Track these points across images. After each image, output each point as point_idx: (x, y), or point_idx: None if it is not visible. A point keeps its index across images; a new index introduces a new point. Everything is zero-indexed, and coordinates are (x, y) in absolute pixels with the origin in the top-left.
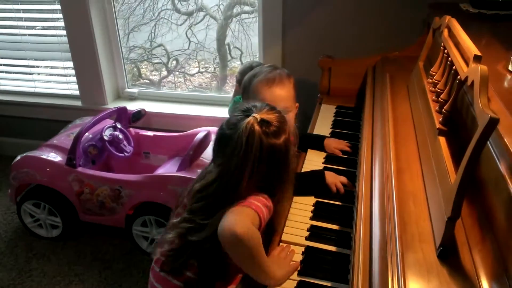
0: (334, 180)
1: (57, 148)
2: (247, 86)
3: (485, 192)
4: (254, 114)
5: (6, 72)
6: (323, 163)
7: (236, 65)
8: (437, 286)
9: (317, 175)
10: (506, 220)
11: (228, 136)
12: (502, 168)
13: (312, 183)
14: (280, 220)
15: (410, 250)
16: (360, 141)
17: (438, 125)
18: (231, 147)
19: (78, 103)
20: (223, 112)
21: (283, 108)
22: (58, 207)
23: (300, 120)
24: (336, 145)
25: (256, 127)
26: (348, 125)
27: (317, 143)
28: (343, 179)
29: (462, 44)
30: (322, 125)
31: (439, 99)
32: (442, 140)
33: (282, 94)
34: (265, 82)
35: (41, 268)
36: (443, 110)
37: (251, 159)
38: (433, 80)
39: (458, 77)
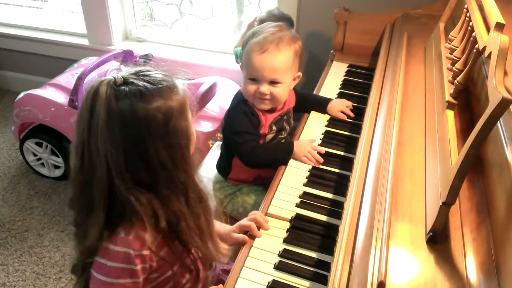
0: (303, 151)
1: (61, 88)
2: (245, 44)
3: (488, 176)
4: (113, 75)
5: (17, 5)
6: (325, 126)
7: (253, 12)
8: (421, 274)
9: (284, 148)
10: (505, 211)
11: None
12: (509, 154)
13: (279, 156)
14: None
15: (398, 231)
16: (366, 105)
17: (448, 97)
18: (76, 125)
19: (85, 42)
20: (234, 62)
21: (270, 79)
22: (60, 147)
23: (310, 75)
24: (340, 107)
25: (103, 89)
26: (358, 86)
27: (320, 106)
28: (313, 152)
29: (485, 8)
30: (331, 84)
31: (454, 68)
32: (450, 114)
33: (273, 64)
34: (258, 47)
35: (42, 206)
36: (455, 81)
37: (97, 135)
38: (451, 45)
39: (476, 45)
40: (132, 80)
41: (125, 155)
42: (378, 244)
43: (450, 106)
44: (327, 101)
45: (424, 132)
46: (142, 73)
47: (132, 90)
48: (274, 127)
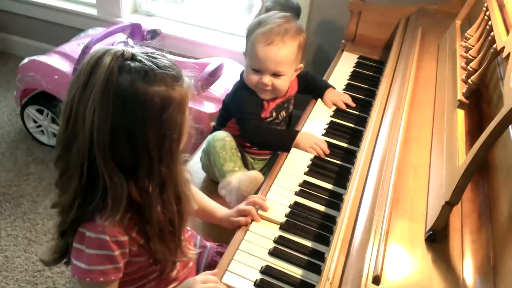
0: (309, 142)
1: (66, 56)
2: (250, 33)
3: (493, 179)
4: (123, 48)
5: None
6: (331, 116)
7: None
8: (417, 271)
9: (288, 134)
10: (508, 216)
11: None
12: None
13: (281, 140)
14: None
15: (397, 228)
16: (374, 99)
17: (460, 96)
18: (69, 85)
19: (94, 11)
20: (243, 44)
21: (273, 72)
22: None
23: (319, 63)
24: (334, 98)
25: (107, 58)
26: (368, 78)
27: (319, 92)
28: (320, 142)
29: (507, 8)
30: (339, 74)
31: (468, 66)
32: (460, 113)
33: (278, 57)
34: (263, 38)
35: (39, 173)
36: (469, 80)
37: (87, 102)
38: (467, 43)
39: (494, 45)
40: (140, 58)
41: (112, 131)
42: (376, 239)
43: (461, 105)
44: (325, 88)
45: (431, 129)
46: (152, 55)
47: (137, 67)
48: (274, 113)
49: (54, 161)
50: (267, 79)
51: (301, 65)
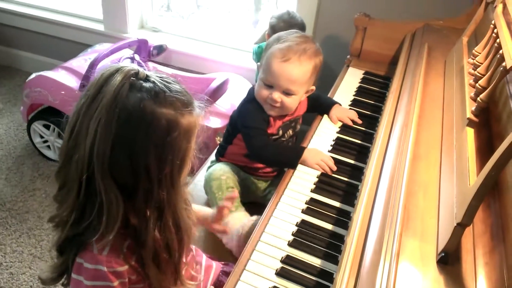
0: (316, 158)
1: (73, 72)
2: (268, 47)
3: (506, 199)
4: (139, 68)
5: None
6: (337, 132)
7: (270, 11)
8: None
9: (294, 151)
10: None
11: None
12: None
13: (286, 158)
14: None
15: (408, 249)
16: (381, 115)
17: (469, 115)
18: (79, 97)
19: (101, 27)
20: (248, 59)
21: (284, 89)
22: None
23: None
24: (340, 115)
25: (120, 75)
26: (374, 94)
27: (325, 109)
28: (327, 159)
29: None
30: (345, 90)
31: (477, 84)
32: (470, 132)
33: (292, 75)
34: (280, 54)
35: (44, 189)
36: (478, 98)
37: (93, 113)
38: (474, 61)
39: (504, 63)
40: (154, 80)
41: (113, 146)
42: (387, 260)
43: (470, 123)
44: (331, 104)
45: (440, 147)
46: (166, 79)
47: (148, 87)
48: (280, 131)
49: (55, 174)
50: (277, 95)
51: (313, 87)
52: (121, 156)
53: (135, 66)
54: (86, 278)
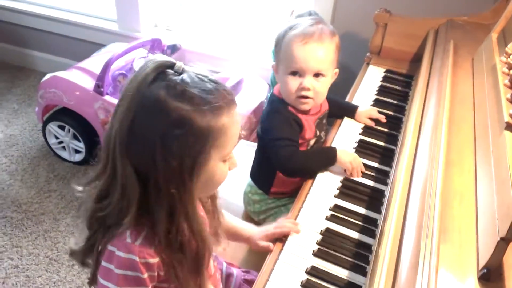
0: (349, 157)
1: (87, 72)
2: (281, 39)
3: None
4: (176, 61)
5: None
6: (360, 134)
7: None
8: None
9: (325, 154)
10: None
11: None
12: None
13: (319, 163)
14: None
15: (447, 263)
16: (406, 116)
17: (507, 118)
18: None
19: (115, 27)
20: (263, 59)
21: (315, 71)
22: (82, 132)
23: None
24: (368, 114)
25: (152, 64)
26: (396, 94)
27: (348, 111)
28: (359, 162)
29: None
30: (366, 89)
31: None
32: (509, 136)
33: (318, 54)
34: (300, 37)
35: (60, 190)
36: None
37: (122, 99)
38: (507, 60)
39: None
40: (187, 74)
41: (129, 129)
42: (425, 276)
43: (509, 127)
44: (353, 106)
45: (473, 152)
46: (200, 76)
47: (174, 79)
48: (317, 132)
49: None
50: (309, 82)
51: (337, 70)
52: (136, 141)
53: (173, 60)
54: (117, 266)
